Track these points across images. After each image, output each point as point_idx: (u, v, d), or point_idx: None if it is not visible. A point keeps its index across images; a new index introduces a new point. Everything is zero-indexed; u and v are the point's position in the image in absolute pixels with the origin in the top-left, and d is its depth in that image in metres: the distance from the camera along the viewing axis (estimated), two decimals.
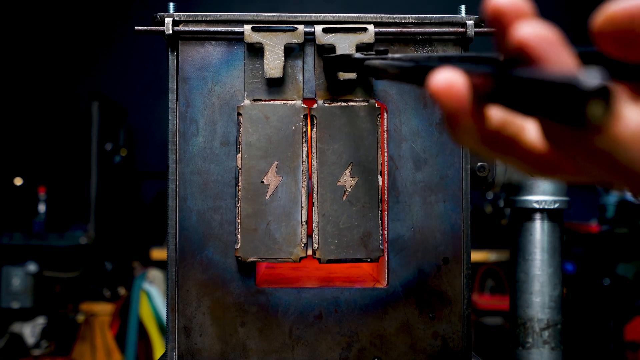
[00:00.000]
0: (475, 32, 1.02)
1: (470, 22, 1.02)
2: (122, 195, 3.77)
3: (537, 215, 1.16)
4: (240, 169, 1.00)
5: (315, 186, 1.01)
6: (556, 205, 1.15)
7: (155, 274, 3.42)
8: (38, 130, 4.15)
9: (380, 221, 1.01)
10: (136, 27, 1.03)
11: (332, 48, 1.00)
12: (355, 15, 1.02)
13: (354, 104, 1.01)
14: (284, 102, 1.01)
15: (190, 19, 1.02)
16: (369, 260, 1.01)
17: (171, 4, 1.03)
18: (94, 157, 3.39)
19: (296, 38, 1.00)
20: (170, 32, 1.00)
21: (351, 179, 1.01)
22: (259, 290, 1.02)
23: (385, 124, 1.04)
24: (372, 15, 1.02)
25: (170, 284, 1.02)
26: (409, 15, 1.03)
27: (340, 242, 1.00)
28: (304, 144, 1.01)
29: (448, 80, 0.38)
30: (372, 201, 1.00)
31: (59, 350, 3.33)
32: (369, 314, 1.02)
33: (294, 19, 1.01)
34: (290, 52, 1.02)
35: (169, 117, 1.02)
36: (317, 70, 1.02)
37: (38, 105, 4.22)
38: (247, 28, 1.00)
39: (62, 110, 4.20)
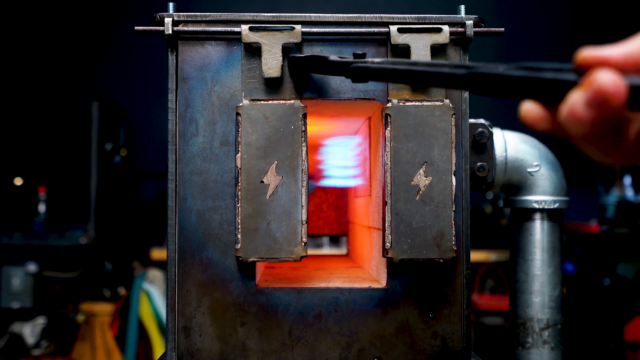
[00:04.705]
0: (474, 32, 1.02)
1: (469, 22, 1.02)
2: (122, 195, 3.77)
3: (537, 215, 1.16)
4: (240, 168, 1.00)
5: (389, 185, 1.00)
6: (556, 205, 1.15)
7: (155, 274, 3.42)
8: (38, 130, 4.14)
9: (453, 222, 1.00)
10: (136, 27, 1.03)
11: (406, 48, 1.01)
12: (355, 15, 1.02)
13: (428, 103, 1.01)
14: (283, 101, 1.01)
15: (190, 19, 1.02)
16: (441, 260, 1.00)
17: (171, 4, 1.03)
18: (94, 157, 3.39)
19: (294, 38, 1.00)
20: (170, 32, 1.00)
21: (425, 178, 1.00)
22: (259, 290, 1.02)
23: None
24: (372, 15, 1.02)
25: (170, 284, 1.02)
26: (409, 15, 1.02)
27: (413, 242, 1.00)
28: (304, 144, 1.01)
29: (615, 82, 0.36)
30: (445, 201, 1.00)
31: (59, 350, 3.33)
32: (368, 314, 1.02)
33: (293, 19, 1.01)
34: (288, 51, 1.02)
35: (169, 117, 1.02)
36: None
37: (38, 105, 4.21)
38: (244, 28, 1.00)
39: (62, 110, 4.20)
